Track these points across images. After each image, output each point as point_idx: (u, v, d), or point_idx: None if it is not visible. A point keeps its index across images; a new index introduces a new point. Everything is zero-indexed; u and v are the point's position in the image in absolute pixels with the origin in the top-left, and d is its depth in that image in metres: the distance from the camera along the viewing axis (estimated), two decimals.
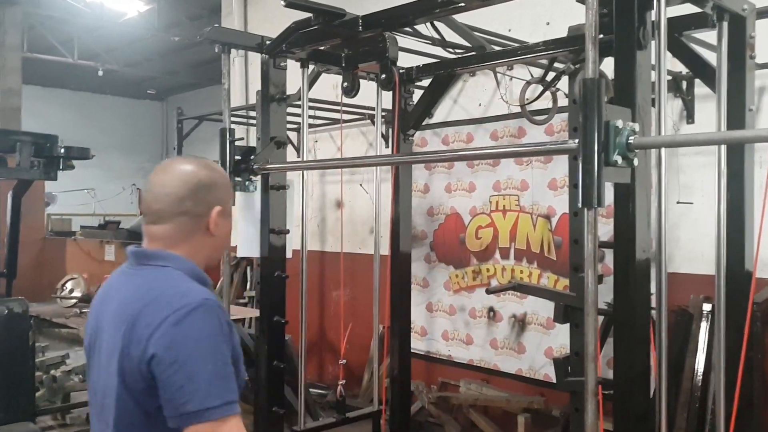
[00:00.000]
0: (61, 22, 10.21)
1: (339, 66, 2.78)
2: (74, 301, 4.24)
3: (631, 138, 1.64)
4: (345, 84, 2.82)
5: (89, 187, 10.83)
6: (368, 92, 3.89)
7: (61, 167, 3.52)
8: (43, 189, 8.18)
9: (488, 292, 4.01)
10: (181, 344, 1.31)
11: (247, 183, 2.56)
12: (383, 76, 2.68)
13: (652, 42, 1.85)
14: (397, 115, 2.70)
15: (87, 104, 13.08)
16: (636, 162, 1.67)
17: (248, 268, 6.71)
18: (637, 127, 1.67)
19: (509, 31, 4.39)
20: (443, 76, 2.92)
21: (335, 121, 5.47)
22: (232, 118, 6.41)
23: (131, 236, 8.73)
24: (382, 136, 5.49)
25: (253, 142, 6.94)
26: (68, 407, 5.13)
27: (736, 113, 2.17)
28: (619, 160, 1.64)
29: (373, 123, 5.41)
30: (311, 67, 3.05)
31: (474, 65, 2.90)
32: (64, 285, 4.30)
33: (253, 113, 6.20)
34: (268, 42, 2.64)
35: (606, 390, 3.39)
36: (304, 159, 2.90)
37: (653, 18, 1.86)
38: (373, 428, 3.01)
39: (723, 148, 2.12)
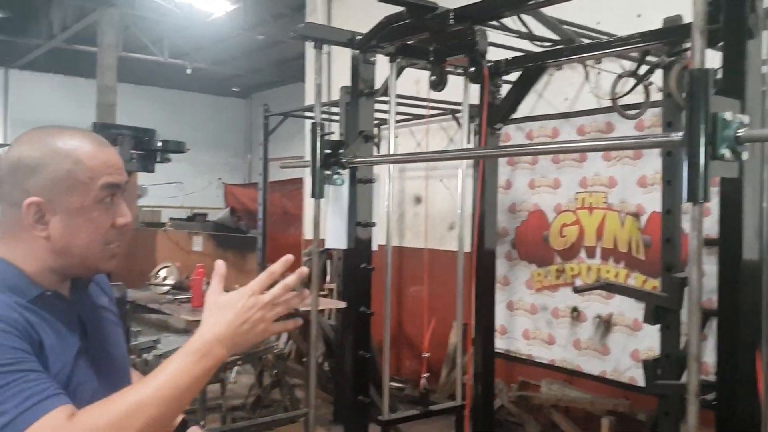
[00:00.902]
0: (153, 22, 10.64)
1: (427, 60, 2.78)
2: (167, 288, 4.41)
3: (740, 131, 1.57)
4: (433, 78, 2.81)
5: (177, 180, 11.26)
6: (449, 87, 3.89)
7: (158, 160, 3.67)
8: (136, 181, 8.55)
9: (576, 290, 3.92)
10: None
11: (335, 176, 2.60)
12: (472, 69, 2.66)
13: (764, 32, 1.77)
14: (487, 109, 2.68)
15: (176, 101, 13.61)
16: (745, 156, 1.60)
17: (328, 262, 6.81)
18: (746, 119, 1.59)
19: (597, 23, 4.27)
20: (533, 69, 2.87)
21: (415, 117, 5.47)
22: (310, 114, 6.55)
23: (218, 228, 9.06)
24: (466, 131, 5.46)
25: (334, 137, 7.05)
26: None
27: None
28: (727, 153, 1.57)
29: (454, 118, 5.40)
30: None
31: (565, 58, 2.84)
32: (157, 272, 4.48)
33: (334, 108, 6.29)
34: (358, 38, 2.67)
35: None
36: (391, 153, 2.91)
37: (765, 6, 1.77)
38: (456, 423, 3.00)
39: None
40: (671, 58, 3.16)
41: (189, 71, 11.96)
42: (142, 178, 6.45)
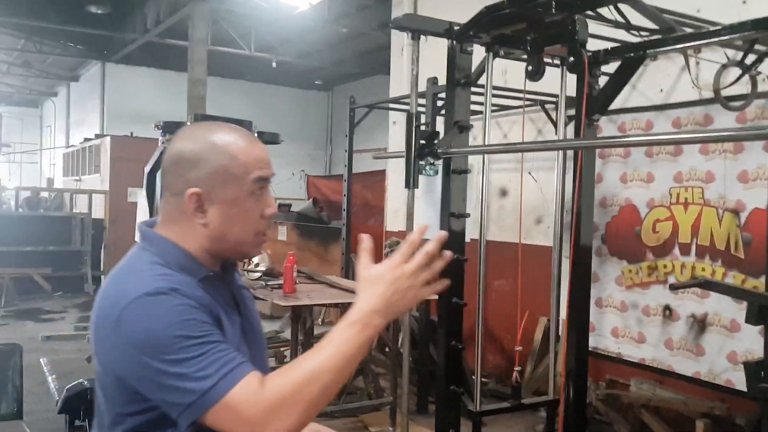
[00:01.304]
0: (240, 16, 10.94)
1: (524, 50, 2.75)
2: (259, 274, 4.56)
3: None
4: (530, 68, 2.78)
5: None
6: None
7: None
8: None
9: (672, 288, 3.80)
10: (131, 352, 1.15)
11: (427, 167, 2.61)
12: (571, 59, 2.61)
13: None
14: (586, 99, 2.63)
15: (261, 94, 13.96)
16: None
17: None
18: None
19: (698, 11, 4.11)
20: (632, 59, 2.79)
21: (503, 108, 5.42)
22: (397, 106, 6.58)
23: (301, 218, 9.26)
24: (552, 122, 5.37)
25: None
26: None
27: None
28: None
29: (543, 109, 5.31)
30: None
31: (668, 47, 2.74)
32: (250, 259, 4.64)
33: (420, 100, 6.30)
34: (456, 27, 2.67)
35: None
36: (486, 144, 2.90)
37: None
38: (547, 417, 2.97)
39: None
40: None
41: (274, 64, 12.23)
42: None
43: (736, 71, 3.28)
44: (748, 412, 4.01)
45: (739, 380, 4.28)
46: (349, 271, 6.47)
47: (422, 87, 6.73)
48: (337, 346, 1.18)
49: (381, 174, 8.40)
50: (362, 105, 6.25)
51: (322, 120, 14.41)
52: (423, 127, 2.72)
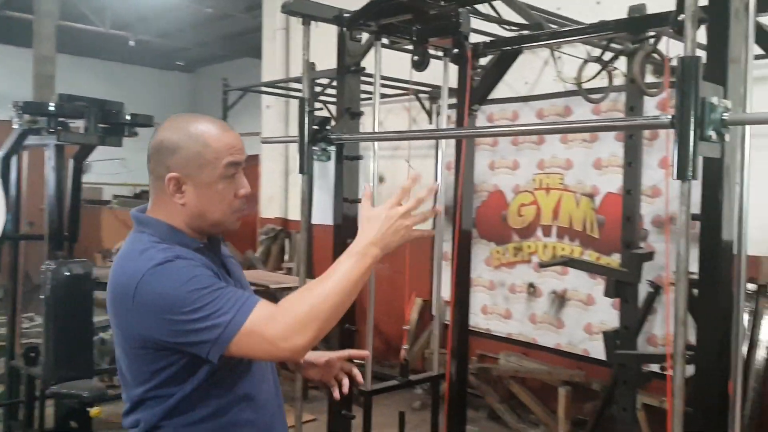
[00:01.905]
0: None
1: (409, 40, 2.84)
2: None
3: (725, 114, 1.70)
4: (415, 58, 2.88)
5: (120, 156, 10.97)
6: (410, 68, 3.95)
7: (126, 134, 3.62)
8: None
9: (542, 266, 4.10)
10: (154, 314, 1.33)
11: (319, 153, 2.64)
12: (455, 51, 2.74)
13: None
14: (469, 90, 2.77)
15: (118, 74, 13.17)
16: (727, 138, 1.74)
17: (286, 240, 6.84)
18: (729, 104, 1.73)
19: (558, 9, 4.42)
20: (509, 53, 2.97)
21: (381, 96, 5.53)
22: (272, 90, 6.53)
23: None
24: (426, 111, 5.56)
25: (293, 114, 7.03)
26: (115, 370, 5.31)
27: None
28: (713, 135, 1.71)
29: (417, 99, 5.48)
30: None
31: (540, 42, 2.95)
32: (118, 249, 4.41)
33: (293, 85, 6.28)
34: (346, 15, 2.71)
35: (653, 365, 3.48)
36: (375, 131, 2.97)
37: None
38: (433, 391, 3.13)
39: None
40: (635, 45, 3.31)
41: (132, 43, 11.59)
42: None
43: (595, 66, 3.58)
44: (603, 379, 4.43)
45: (593, 349, 4.71)
46: None
47: (295, 72, 6.73)
48: (341, 273, 1.37)
49: (250, 160, 8.27)
50: (236, 88, 6.12)
51: (185, 103, 13.85)
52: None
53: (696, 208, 1.79)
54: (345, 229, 2.60)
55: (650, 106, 3.91)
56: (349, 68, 2.71)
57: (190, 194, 1.45)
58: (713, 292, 1.82)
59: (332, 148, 2.65)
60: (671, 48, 3.62)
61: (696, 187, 1.78)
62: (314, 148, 2.57)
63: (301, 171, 2.62)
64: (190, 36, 12.05)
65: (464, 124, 2.78)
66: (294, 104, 6.79)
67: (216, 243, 1.58)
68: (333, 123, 2.64)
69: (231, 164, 1.45)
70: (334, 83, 4.99)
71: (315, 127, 2.61)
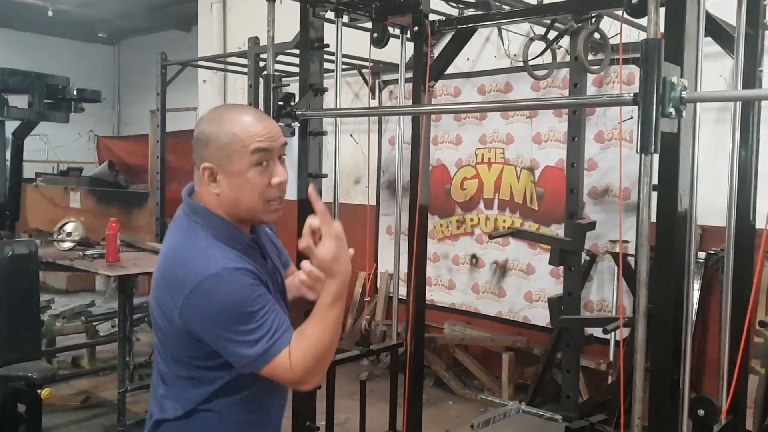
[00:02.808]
0: None
1: (369, 17, 2.89)
2: (72, 244, 4.24)
3: (683, 93, 1.85)
4: (375, 35, 2.93)
5: (42, 133, 10.49)
6: (354, 43, 3.98)
7: (73, 110, 3.51)
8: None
9: (491, 237, 4.25)
10: (203, 323, 1.40)
11: (284, 128, 2.66)
12: (416, 28, 2.80)
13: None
14: (429, 67, 2.84)
15: (35, 46, 12.51)
16: (684, 114, 1.89)
17: None
18: (686, 82, 1.88)
19: None
20: (465, 30, 3.06)
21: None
22: (210, 64, 6.40)
23: (95, 183, 8.62)
24: (368, 87, 5.61)
25: (230, 89, 6.92)
26: (55, 351, 5.18)
27: (749, 74, 2.42)
28: (673, 112, 1.86)
29: (360, 74, 5.52)
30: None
31: (495, 21, 3.06)
32: (61, 228, 4.29)
33: (231, 60, 6.18)
34: None
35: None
36: (338, 107, 3.01)
37: None
38: (391, 359, 3.24)
39: (738, 106, 2.38)
40: (579, 25, 3.46)
41: (50, 13, 11.02)
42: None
43: (539, 44, 3.71)
44: (543, 344, 4.66)
45: (534, 316, 4.94)
46: (163, 237, 6.22)
47: (232, 46, 6.63)
48: (333, 318, 1.46)
49: (184, 135, 8.08)
50: (175, 62, 5.97)
51: (109, 76, 13.31)
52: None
53: (630, 181, 1.94)
54: (308, 205, 2.63)
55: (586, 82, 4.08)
56: (312, 44, 2.73)
57: (223, 184, 1.48)
58: (670, 259, 1.98)
59: (296, 124, 2.68)
60: (610, 28, 3.83)
61: (630, 160, 1.93)
62: (279, 124, 2.58)
63: None
64: (113, 6, 11.54)
65: (423, 101, 2.86)
66: (232, 78, 6.70)
67: (257, 232, 1.61)
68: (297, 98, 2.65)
69: (258, 150, 1.46)
70: (287, 58, 4.97)
71: (279, 103, 2.63)
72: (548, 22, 3.53)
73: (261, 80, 4.88)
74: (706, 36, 2.23)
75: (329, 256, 1.44)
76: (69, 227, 4.24)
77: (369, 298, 3.65)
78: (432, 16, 3.27)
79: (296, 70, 4.05)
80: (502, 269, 5.11)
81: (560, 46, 3.83)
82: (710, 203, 3.19)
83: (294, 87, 3.11)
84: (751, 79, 2.45)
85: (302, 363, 1.43)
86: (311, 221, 1.48)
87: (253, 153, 1.45)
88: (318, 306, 1.47)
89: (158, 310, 1.49)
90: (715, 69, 3.78)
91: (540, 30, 4.00)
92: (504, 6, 3.55)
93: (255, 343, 1.39)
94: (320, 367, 1.46)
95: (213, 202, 1.50)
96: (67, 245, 4.31)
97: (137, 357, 5.24)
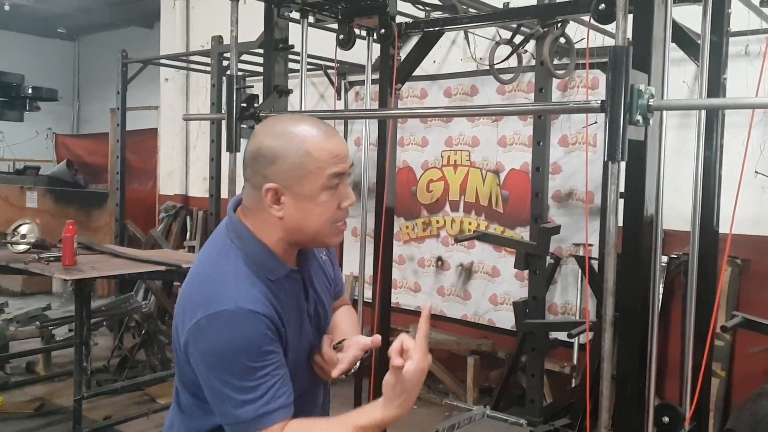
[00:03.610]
0: None
1: (335, 19, 2.84)
2: (27, 246, 4.10)
3: (651, 100, 1.85)
4: (341, 36, 2.89)
5: None
6: (319, 43, 3.94)
7: (27, 108, 3.39)
8: None
9: (457, 240, 4.23)
10: (197, 358, 1.30)
11: (247, 130, 2.60)
12: (382, 30, 2.77)
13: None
14: (396, 69, 2.81)
15: None
16: (651, 122, 1.90)
17: (188, 218, 6.65)
18: (654, 90, 1.88)
19: None
20: (431, 34, 3.03)
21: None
22: (173, 63, 6.27)
23: (53, 182, 8.38)
24: (335, 88, 5.55)
25: (193, 88, 6.79)
26: (8, 357, 5.02)
27: (713, 81, 2.45)
28: (640, 119, 1.86)
29: (326, 74, 5.46)
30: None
31: (462, 24, 3.04)
32: (15, 230, 4.14)
33: (194, 58, 6.07)
34: None
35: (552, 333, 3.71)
36: (304, 109, 2.96)
37: None
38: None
39: (703, 113, 2.40)
40: (545, 29, 3.46)
41: (7, 7, 10.69)
42: None
43: (504, 48, 3.71)
44: (509, 347, 4.67)
45: (499, 319, 4.95)
46: (124, 239, 6.08)
47: (195, 44, 6.51)
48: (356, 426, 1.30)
49: (145, 134, 7.93)
50: (136, 60, 5.82)
51: (68, 73, 12.98)
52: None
53: (594, 185, 1.94)
54: None
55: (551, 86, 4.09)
56: (277, 45, 2.67)
57: (289, 206, 1.34)
58: (637, 266, 1.98)
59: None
60: (576, 33, 3.84)
61: (594, 164, 1.92)
62: (242, 125, 2.53)
63: (229, 149, 2.57)
64: (73, 1, 11.28)
65: (390, 103, 2.82)
66: (195, 77, 6.58)
67: (306, 258, 1.48)
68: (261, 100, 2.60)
69: (334, 175, 1.34)
70: (251, 57, 4.89)
71: (243, 104, 2.57)
72: (514, 26, 3.55)
73: (225, 80, 4.79)
74: (671, 42, 2.24)
75: (406, 387, 1.30)
76: (23, 229, 4.09)
77: None
78: (399, 18, 3.24)
79: (261, 69, 3.99)
80: (467, 272, 5.11)
81: (526, 51, 3.83)
82: (672, 207, 3.22)
83: (259, 87, 3.08)
84: (715, 86, 2.48)
85: None
86: (406, 341, 1.33)
87: (330, 177, 1.34)
88: (347, 416, 1.33)
89: (174, 326, 1.39)
90: (678, 75, 3.83)
91: (506, 34, 4.01)
92: (471, 9, 3.55)
93: (243, 405, 1.26)
94: None
95: (267, 225, 1.36)
96: (22, 248, 4.17)
97: (96, 361, 5.10)
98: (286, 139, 1.33)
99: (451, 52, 5.09)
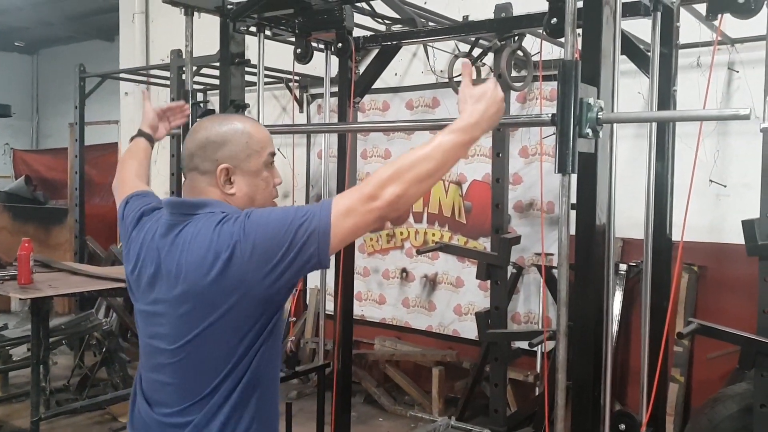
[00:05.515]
0: None
1: (292, 33, 2.84)
2: None
3: (600, 114, 1.88)
4: (298, 50, 2.89)
5: None
6: (279, 56, 3.94)
7: None
8: None
9: (419, 252, 4.24)
10: (255, 224, 1.41)
11: None
12: (339, 44, 2.78)
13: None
14: (354, 83, 2.82)
15: None
16: (601, 135, 1.93)
17: None
18: (603, 103, 1.92)
19: (425, 3, 4.59)
20: (390, 47, 3.05)
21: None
22: (132, 77, 6.20)
23: (11, 199, 8.20)
24: (296, 101, 5.55)
25: (153, 102, 6.69)
26: None
27: (664, 93, 2.50)
28: (590, 132, 1.89)
29: (287, 87, 5.45)
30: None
31: (419, 38, 3.05)
32: None
33: (155, 72, 6.00)
34: (229, 6, 2.65)
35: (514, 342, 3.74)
36: (264, 123, 2.94)
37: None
38: (318, 380, 3.18)
39: (654, 124, 2.45)
40: (502, 42, 3.51)
41: None
42: None
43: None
44: (473, 357, 4.68)
45: (463, 329, 4.97)
46: (83, 256, 5.96)
47: (155, 58, 6.45)
48: (437, 144, 1.44)
49: (105, 148, 7.80)
50: (94, 74, 5.74)
51: (27, 87, 12.73)
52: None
53: (554, 195, 1.97)
54: None
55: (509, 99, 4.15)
56: (233, 59, 2.66)
57: (239, 183, 1.54)
58: (589, 277, 2.00)
59: None
60: (533, 46, 3.90)
61: (553, 174, 1.94)
62: None
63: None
64: (31, 15, 11.09)
65: (348, 117, 2.83)
66: (155, 91, 6.51)
67: None
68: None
69: (271, 153, 1.59)
70: (211, 71, 4.86)
71: (199, 119, 2.54)
72: (473, 39, 3.59)
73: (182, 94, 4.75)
74: (622, 54, 2.28)
75: (473, 90, 1.54)
76: None
77: (294, 319, 3.58)
78: (358, 32, 3.26)
79: None
80: (431, 283, 5.12)
81: (484, 64, 3.88)
82: (630, 216, 3.28)
83: (218, 101, 3.06)
84: (665, 98, 2.53)
85: (376, 175, 1.39)
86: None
87: (269, 155, 1.57)
88: (433, 137, 1.46)
89: (194, 311, 1.43)
90: (633, 86, 3.91)
91: (465, 47, 4.07)
92: (429, 23, 3.58)
93: (312, 211, 1.39)
94: (401, 176, 1.39)
95: (222, 205, 1.52)
96: None
97: (56, 381, 4.99)
98: (229, 127, 1.56)
99: (413, 64, 5.12)
